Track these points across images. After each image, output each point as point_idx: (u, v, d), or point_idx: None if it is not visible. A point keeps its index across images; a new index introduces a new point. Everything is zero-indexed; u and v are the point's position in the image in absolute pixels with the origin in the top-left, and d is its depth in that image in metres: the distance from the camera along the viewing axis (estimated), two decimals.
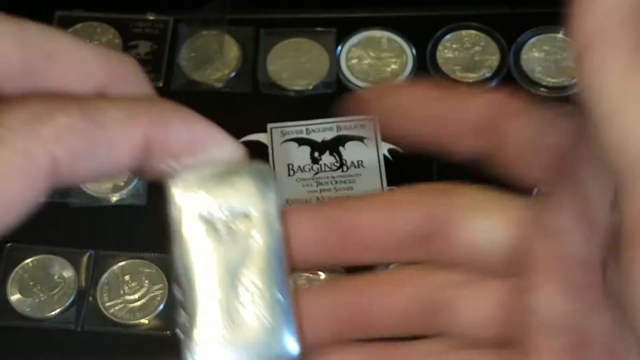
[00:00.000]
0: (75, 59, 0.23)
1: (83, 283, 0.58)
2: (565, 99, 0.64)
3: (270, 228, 0.23)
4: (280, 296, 0.23)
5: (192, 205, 0.23)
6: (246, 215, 0.23)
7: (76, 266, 0.58)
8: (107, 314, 0.56)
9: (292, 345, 0.23)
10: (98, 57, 0.23)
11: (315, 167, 0.62)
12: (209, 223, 0.23)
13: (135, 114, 0.23)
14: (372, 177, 0.61)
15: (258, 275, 0.23)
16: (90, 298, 0.57)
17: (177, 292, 0.23)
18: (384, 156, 0.62)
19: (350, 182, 0.61)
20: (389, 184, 0.61)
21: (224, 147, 0.24)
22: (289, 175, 0.61)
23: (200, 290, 0.23)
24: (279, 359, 0.23)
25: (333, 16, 0.68)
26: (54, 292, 0.57)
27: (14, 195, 0.21)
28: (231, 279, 0.23)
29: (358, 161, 0.62)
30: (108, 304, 0.57)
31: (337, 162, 0.62)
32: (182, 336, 0.23)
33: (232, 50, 0.67)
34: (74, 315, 0.57)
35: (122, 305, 0.56)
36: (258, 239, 0.23)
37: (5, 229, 0.22)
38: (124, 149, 0.23)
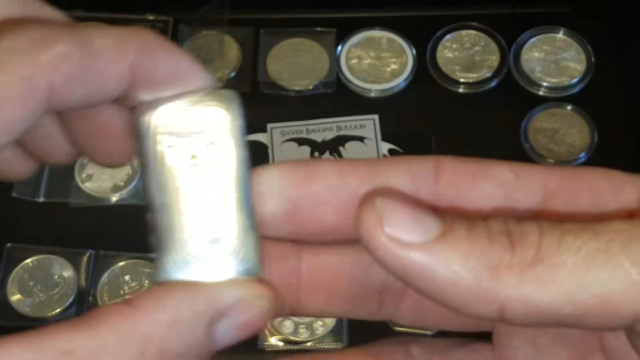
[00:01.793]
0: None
1: (83, 283, 0.58)
2: (565, 99, 0.64)
3: (237, 154, 0.25)
4: (247, 219, 0.25)
5: (164, 133, 0.25)
6: (215, 142, 0.25)
7: (76, 266, 0.58)
8: None
9: (256, 264, 0.25)
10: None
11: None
12: (180, 150, 0.25)
13: (124, 44, 0.24)
14: None
15: (226, 198, 0.25)
16: (90, 298, 0.57)
17: (150, 216, 0.25)
18: (384, 156, 0.62)
19: None
20: None
21: (199, 78, 0.25)
22: None
23: (172, 213, 0.24)
24: (245, 276, 0.24)
25: (333, 16, 0.68)
26: (54, 292, 0.57)
27: (13, 117, 0.23)
28: (201, 202, 0.24)
29: None
30: (108, 304, 0.57)
31: None
32: (155, 256, 0.25)
33: (232, 50, 0.67)
34: (73, 315, 0.57)
35: None
36: (226, 164, 0.25)
37: (1, 147, 0.23)
38: (113, 77, 0.24)
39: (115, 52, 0.24)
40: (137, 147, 0.25)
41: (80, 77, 0.23)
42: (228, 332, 0.24)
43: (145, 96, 0.25)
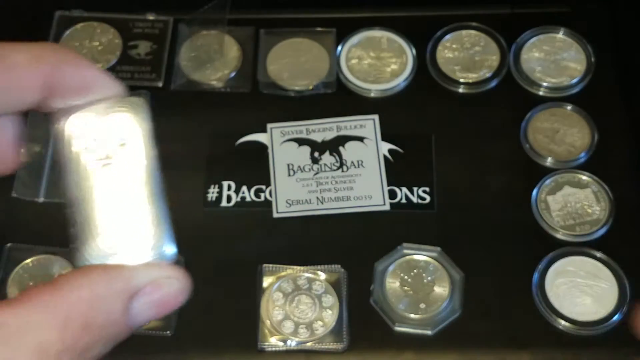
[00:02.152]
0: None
1: None
2: (565, 99, 0.65)
3: (146, 153, 0.28)
4: (158, 210, 0.28)
5: (79, 137, 0.28)
6: (125, 143, 0.28)
7: None
8: None
9: (169, 249, 0.28)
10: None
11: (315, 167, 0.62)
12: (95, 151, 0.28)
13: (38, 59, 0.28)
14: (372, 177, 0.61)
15: (139, 193, 0.28)
16: None
17: (70, 212, 0.27)
18: (384, 156, 0.62)
19: (350, 182, 0.61)
20: (389, 184, 0.61)
21: (109, 87, 0.29)
22: (289, 175, 0.61)
23: (89, 208, 0.27)
24: (159, 259, 0.28)
25: (333, 16, 0.68)
26: None
27: None
28: (116, 197, 0.27)
29: (358, 161, 0.62)
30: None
31: (337, 162, 0.62)
32: (75, 247, 0.27)
33: (232, 50, 0.67)
34: None
35: None
36: (137, 163, 0.28)
37: None
38: (29, 88, 0.28)
39: (29, 66, 0.27)
40: (56, 150, 0.28)
41: (1, 88, 0.27)
42: (144, 309, 0.27)
43: (60, 104, 0.28)
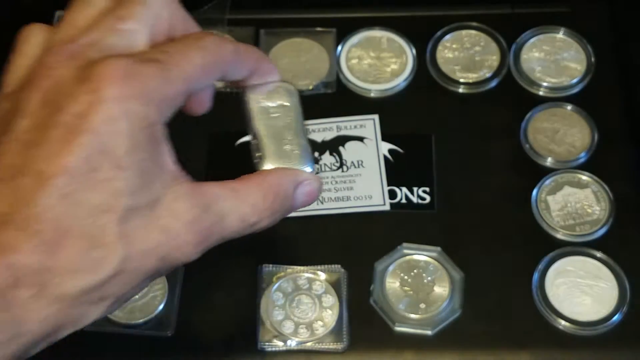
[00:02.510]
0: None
1: None
2: (565, 99, 0.65)
3: (296, 110, 0.45)
4: (304, 140, 0.44)
5: (257, 102, 0.45)
6: (284, 105, 0.45)
7: None
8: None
9: (309, 167, 0.44)
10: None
11: (315, 167, 0.62)
12: (266, 109, 0.44)
13: (253, 52, 0.44)
14: (372, 177, 0.61)
15: (292, 132, 0.44)
16: None
17: (253, 142, 0.44)
18: (384, 156, 0.62)
19: (350, 182, 0.61)
20: (389, 184, 0.61)
21: (276, 75, 0.45)
22: None
23: (264, 140, 0.44)
24: (304, 170, 0.44)
25: (333, 16, 0.68)
26: None
27: (213, 78, 0.42)
28: (279, 134, 0.44)
29: (358, 161, 0.62)
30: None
31: (337, 162, 0.62)
32: (258, 161, 0.43)
33: None
34: None
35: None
36: (291, 115, 0.45)
37: (190, 90, 0.40)
38: (246, 68, 0.43)
39: (249, 56, 0.43)
40: (244, 107, 0.44)
41: (235, 65, 0.42)
42: (301, 196, 0.43)
43: (251, 82, 0.44)
